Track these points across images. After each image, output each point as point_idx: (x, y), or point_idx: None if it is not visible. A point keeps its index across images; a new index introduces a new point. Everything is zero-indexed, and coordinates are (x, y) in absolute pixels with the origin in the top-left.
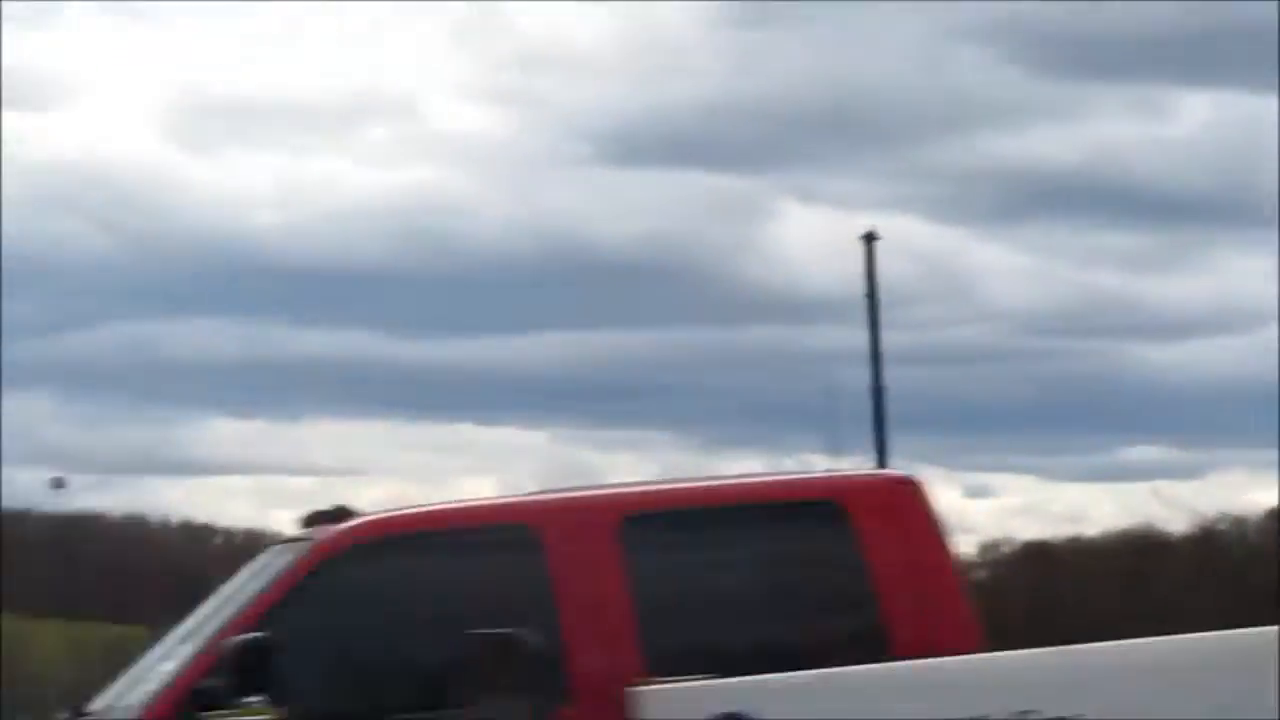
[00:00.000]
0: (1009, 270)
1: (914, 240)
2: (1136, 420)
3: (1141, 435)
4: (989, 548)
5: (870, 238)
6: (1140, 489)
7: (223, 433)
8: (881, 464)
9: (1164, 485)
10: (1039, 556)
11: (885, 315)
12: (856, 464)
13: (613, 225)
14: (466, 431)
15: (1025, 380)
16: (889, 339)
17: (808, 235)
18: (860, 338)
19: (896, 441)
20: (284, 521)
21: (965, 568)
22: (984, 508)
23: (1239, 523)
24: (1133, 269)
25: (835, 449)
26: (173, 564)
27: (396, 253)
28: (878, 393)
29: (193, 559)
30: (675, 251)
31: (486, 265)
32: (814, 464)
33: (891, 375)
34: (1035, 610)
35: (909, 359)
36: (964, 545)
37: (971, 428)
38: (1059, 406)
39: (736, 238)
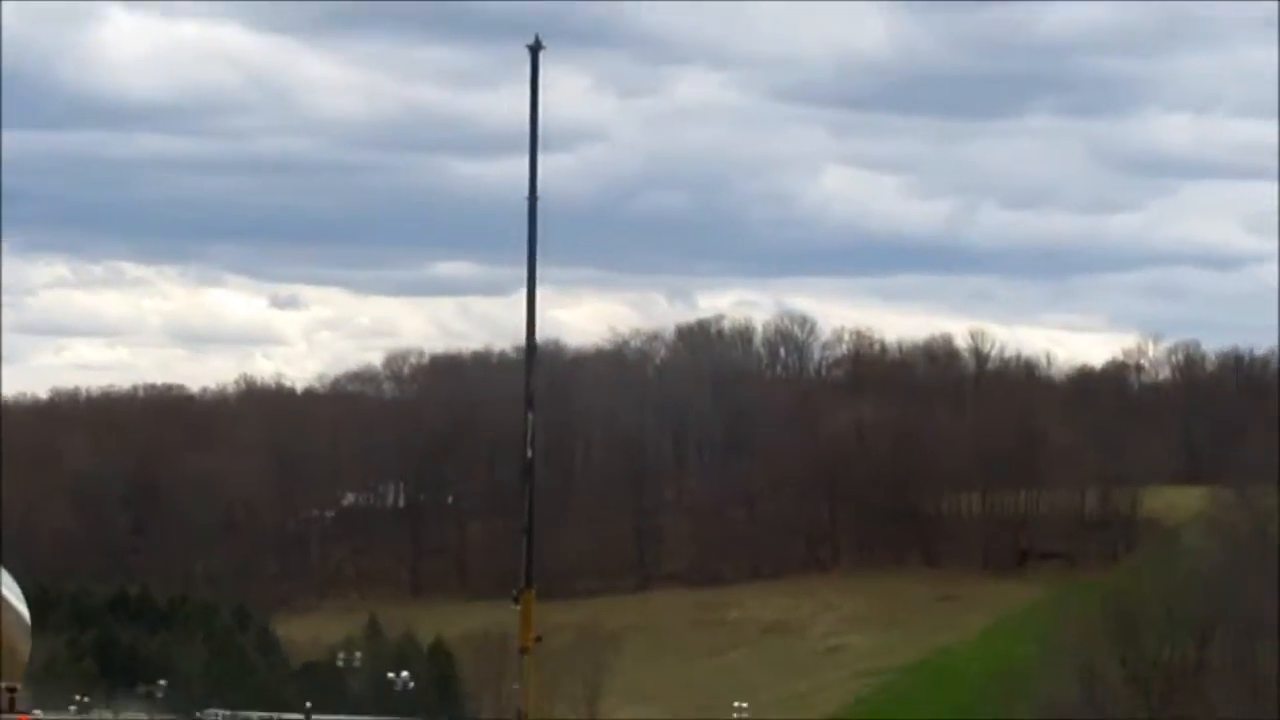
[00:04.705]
0: (330, 82)
1: (235, 48)
2: (448, 236)
3: (452, 251)
4: (396, 359)
5: (536, 47)
6: (449, 304)
7: None
8: (532, 270)
9: (473, 301)
10: (449, 369)
11: (201, 123)
12: None
13: None
14: None
15: (340, 193)
16: (204, 147)
17: (131, 40)
18: (181, 145)
19: (209, 250)
20: None
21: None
22: (293, 319)
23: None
24: (455, 85)
25: None
26: None
27: None
28: (532, 203)
29: None
30: None
31: None
32: (123, 271)
33: (206, 184)
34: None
35: (224, 167)
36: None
37: (283, 238)
38: (372, 220)
39: (59, 41)
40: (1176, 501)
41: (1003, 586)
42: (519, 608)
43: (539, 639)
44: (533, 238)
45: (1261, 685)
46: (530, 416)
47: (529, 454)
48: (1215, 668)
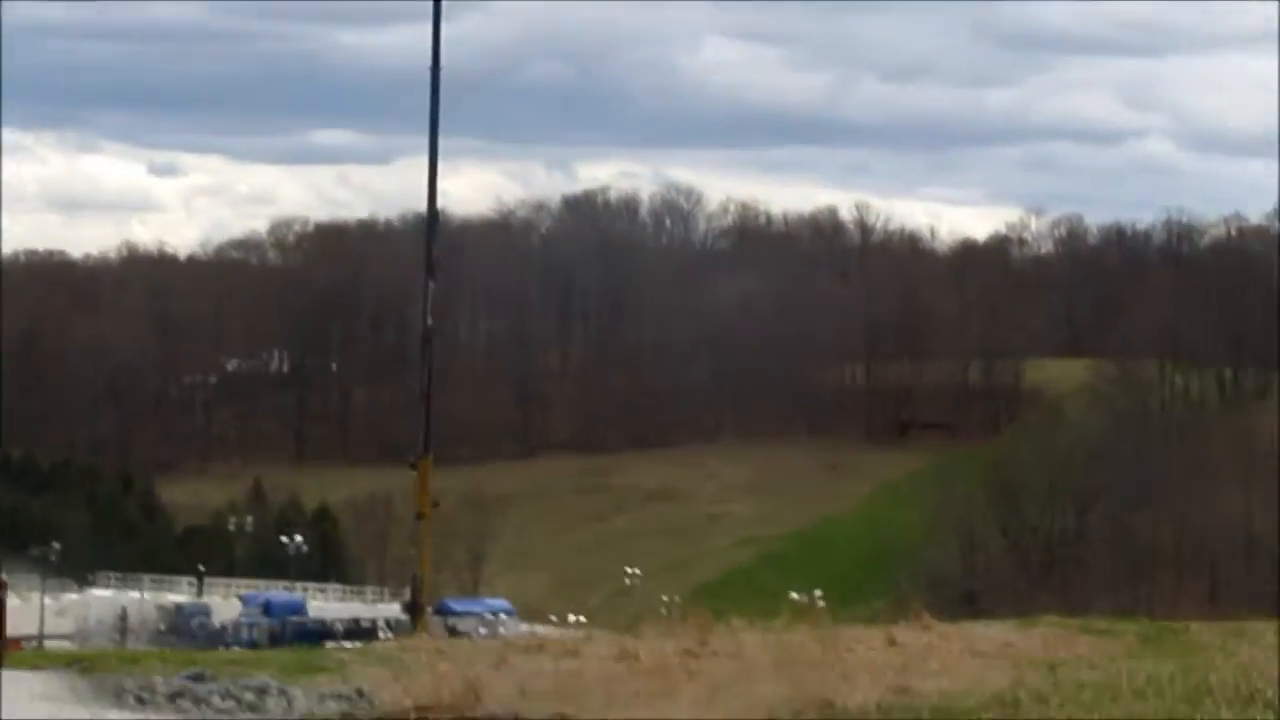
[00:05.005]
0: None
1: None
2: (328, 104)
3: (331, 119)
4: (281, 226)
5: None
6: (328, 172)
7: None
8: (434, 138)
9: (353, 169)
10: (334, 237)
11: None
12: None
13: None
14: None
15: (219, 60)
16: (82, 13)
17: None
18: (59, 12)
19: (88, 116)
20: None
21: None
22: (171, 186)
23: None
24: None
25: None
26: None
27: None
28: (435, 73)
29: None
30: None
31: None
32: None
33: (84, 50)
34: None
35: (102, 34)
36: (156, 224)
37: (161, 105)
38: (251, 88)
39: None
40: (1058, 374)
41: (886, 456)
42: (414, 473)
43: (436, 504)
44: (435, 105)
45: (1140, 555)
46: (430, 285)
47: (428, 321)
48: (1095, 537)
